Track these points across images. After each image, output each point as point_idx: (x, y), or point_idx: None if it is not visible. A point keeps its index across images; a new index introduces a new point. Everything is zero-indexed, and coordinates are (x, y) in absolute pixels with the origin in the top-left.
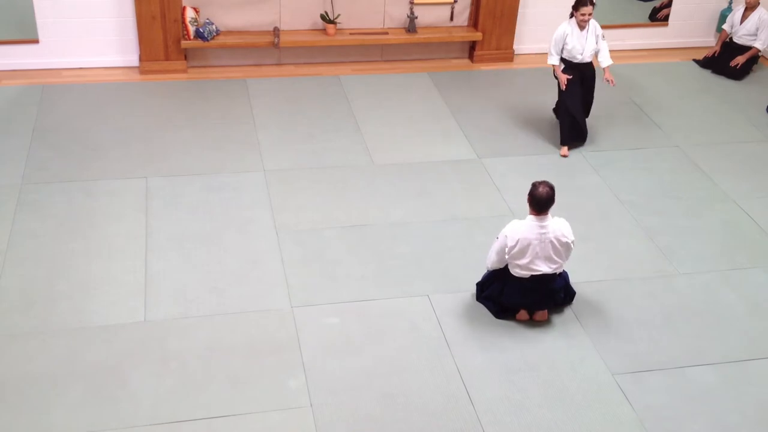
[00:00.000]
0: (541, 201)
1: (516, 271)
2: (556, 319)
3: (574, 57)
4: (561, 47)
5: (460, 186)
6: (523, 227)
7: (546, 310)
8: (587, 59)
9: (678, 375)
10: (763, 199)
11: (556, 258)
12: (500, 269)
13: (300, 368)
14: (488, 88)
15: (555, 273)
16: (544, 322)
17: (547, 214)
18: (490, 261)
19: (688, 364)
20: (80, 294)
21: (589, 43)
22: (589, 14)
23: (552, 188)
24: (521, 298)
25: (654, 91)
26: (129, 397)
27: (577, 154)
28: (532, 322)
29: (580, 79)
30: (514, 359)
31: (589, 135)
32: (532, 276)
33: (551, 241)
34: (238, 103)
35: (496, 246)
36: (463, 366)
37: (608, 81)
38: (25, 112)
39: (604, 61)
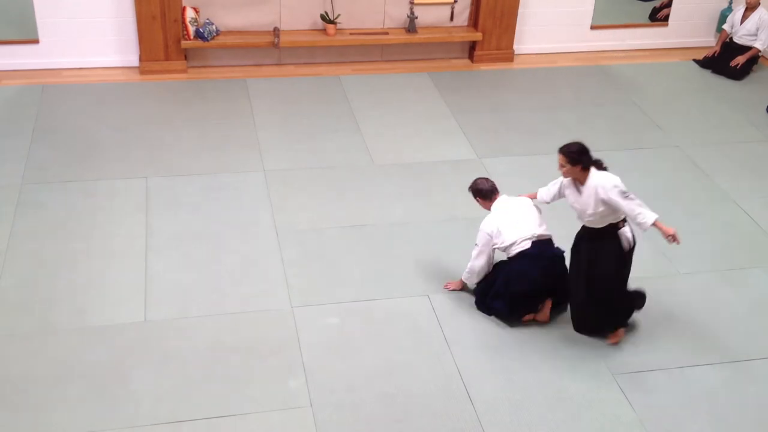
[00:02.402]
0: (485, 190)
1: (519, 247)
2: (557, 318)
3: (579, 217)
4: (556, 189)
5: (460, 186)
6: (491, 217)
7: (548, 311)
8: (589, 224)
9: (678, 375)
10: (763, 199)
11: (535, 220)
12: (495, 267)
13: (300, 368)
14: (488, 88)
15: (549, 237)
16: (545, 322)
17: (497, 197)
18: (476, 269)
19: (688, 364)
20: (80, 294)
21: (586, 205)
22: (561, 167)
23: (487, 179)
24: (531, 281)
25: (654, 91)
26: (129, 397)
27: None
28: (533, 322)
29: (586, 251)
30: (514, 359)
31: (588, 135)
32: (533, 243)
33: (518, 210)
34: (238, 103)
35: (479, 247)
36: (463, 366)
37: (672, 239)
38: (25, 112)
39: (643, 223)
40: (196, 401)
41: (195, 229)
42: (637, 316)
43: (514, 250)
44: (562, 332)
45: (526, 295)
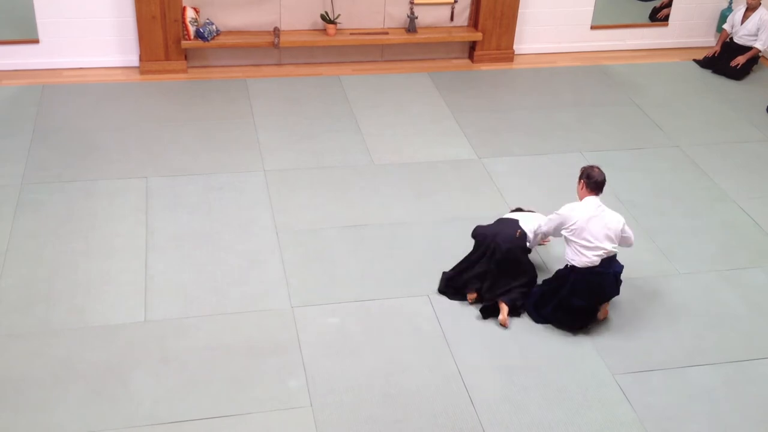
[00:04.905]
0: (595, 180)
1: (585, 256)
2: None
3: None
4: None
5: (460, 186)
6: (578, 207)
7: (607, 308)
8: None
9: (678, 375)
10: (763, 199)
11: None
12: (554, 283)
13: (300, 368)
14: (488, 88)
15: (615, 253)
16: (547, 322)
17: (596, 195)
18: (541, 233)
19: (688, 364)
20: (80, 294)
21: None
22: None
23: (602, 172)
24: (592, 297)
25: (654, 91)
26: (129, 397)
27: (576, 154)
28: (533, 323)
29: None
30: (514, 359)
31: (588, 135)
32: (602, 261)
33: (606, 221)
34: (238, 103)
35: (548, 225)
36: (463, 366)
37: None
38: (25, 112)
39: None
40: (196, 401)
41: (195, 229)
42: (637, 316)
43: (581, 261)
44: (562, 332)
45: (584, 309)
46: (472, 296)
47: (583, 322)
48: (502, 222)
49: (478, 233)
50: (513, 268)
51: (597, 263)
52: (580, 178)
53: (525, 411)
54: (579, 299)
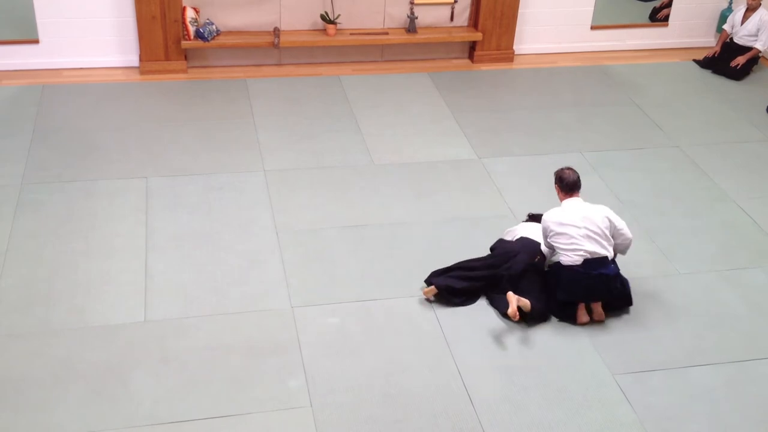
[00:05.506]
0: (566, 182)
1: (568, 256)
2: (556, 319)
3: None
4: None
5: (460, 186)
6: (556, 212)
7: (602, 309)
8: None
9: (678, 375)
10: (763, 199)
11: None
12: (553, 271)
13: (300, 368)
14: (488, 88)
15: (605, 256)
16: (547, 322)
17: (574, 195)
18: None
19: (688, 364)
20: (80, 294)
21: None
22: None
23: (575, 171)
24: (572, 294)
25: (654, 91)
26: (129, 397)
27: (576, 154)
28: (532, 323)
29: None
30: (514, 359)
31: (588, 135)
32: (585, 261)
33: (587, 220)
34: (238, 103)
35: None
36: (463, 366)
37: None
38: (25, 112)
39: None
40: (196, 401)
41: (195, 229)
42: (637, 316)
43: (564, 261)
44: (562, 332)
45: (566, 304)
46: (430, 291)
47: (565, 315)
48: (524, 242)
49: (498, 247)
50: (524, 287)
51: (579, 262)
52: (555, 182)
53: (525, 411)
54: (562, 293)
